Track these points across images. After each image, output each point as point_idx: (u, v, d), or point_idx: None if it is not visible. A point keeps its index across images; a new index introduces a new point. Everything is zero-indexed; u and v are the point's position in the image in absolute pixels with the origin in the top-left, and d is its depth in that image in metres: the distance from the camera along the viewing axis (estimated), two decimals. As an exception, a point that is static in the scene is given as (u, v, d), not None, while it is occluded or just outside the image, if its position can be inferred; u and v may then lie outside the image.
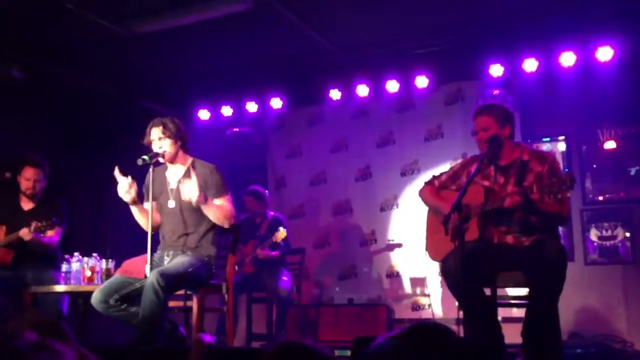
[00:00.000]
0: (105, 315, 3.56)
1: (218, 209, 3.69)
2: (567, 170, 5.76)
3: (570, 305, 5.22)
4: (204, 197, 3.59)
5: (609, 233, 5.66)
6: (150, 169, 3.66)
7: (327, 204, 6.80)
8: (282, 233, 5.47)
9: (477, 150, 3.72)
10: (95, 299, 3.52)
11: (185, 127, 3.86)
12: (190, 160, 3.84)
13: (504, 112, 3.54)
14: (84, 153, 6.45)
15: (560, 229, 5.29)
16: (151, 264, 3.47)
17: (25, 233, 4.36)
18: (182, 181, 3.63)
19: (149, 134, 3.75)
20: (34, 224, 4.33)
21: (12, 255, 4.53)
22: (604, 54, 5.38)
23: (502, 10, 5.20)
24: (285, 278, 5.60)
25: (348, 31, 5.51)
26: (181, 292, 3.72)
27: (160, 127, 3.72)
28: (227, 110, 6.85)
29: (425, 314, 6.00)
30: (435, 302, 6.01)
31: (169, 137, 3.71)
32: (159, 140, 3.72)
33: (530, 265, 3.26)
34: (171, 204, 3.78)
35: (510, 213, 3.36)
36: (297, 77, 6.43)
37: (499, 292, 3.63)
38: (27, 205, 4.74)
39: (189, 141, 3.84)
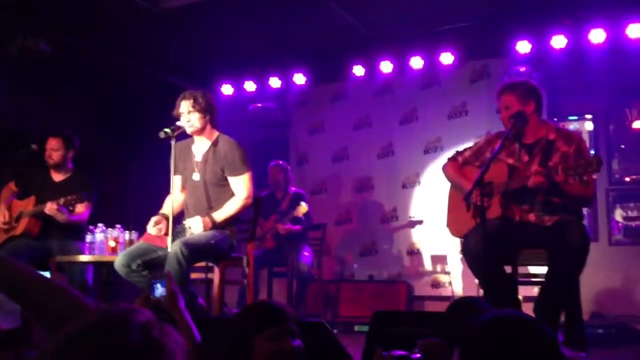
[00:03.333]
0: (126, 279, 3.63)
1: (233, 207, 3.72)
2: (593, 150, 5.68)
3: (593, 285, 5.18)
4: (212, 222, 3.65)
5: (635, 213, 5.58)
6: (173, 142, 3.68)
7: (349, 180, 6.81)
8: (303, 207, 5.48)
9: (502, 127, 3.68)
10: (118, 262, 3.59)
11: (216, 101, 3.86)
12: (216, 134, 3.86)
13: (526, 88, 3.48)
14: (108, 126, 6.52)
15: (585, 209, 5.25)
16: (173, 235, 3.52)
17: (49, 208, 4.40)
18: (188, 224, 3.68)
19: (179, 106, 3.76)
20: (63, 198, 4.38)
21: (40, 225, 4.60)
22: (635, 31, 5.25)
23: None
24: (306, 253, 5.63)
25: (372, 6, 5.45)
26: (202, 264, 3.77)
27: (191, 101, 3.73)
28: (250, 86, 6.84)
29: (445, 292, 6.01)
30: (456, 279, 6.02)
31: (198, 110, 3.72)
32: (188, 114, 3.73)
33: (552, 247, 3.23)
34: (196, 176, 3.81)
35: (533, 193, 3.32)
36: (320, 53, 6.39)
37: (520, 270, 3.61)
38: (57, 177, 4.80)
39: (218, 116, 3.84)
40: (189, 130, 3.75)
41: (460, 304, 2.24)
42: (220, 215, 3.70)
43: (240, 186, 3.75)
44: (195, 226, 3.63)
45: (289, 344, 1.87)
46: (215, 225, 3.67)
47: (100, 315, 0.98)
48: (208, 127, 3.80)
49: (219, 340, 1.97)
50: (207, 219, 3.65)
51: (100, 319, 0.97)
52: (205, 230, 3.63)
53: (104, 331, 0.94)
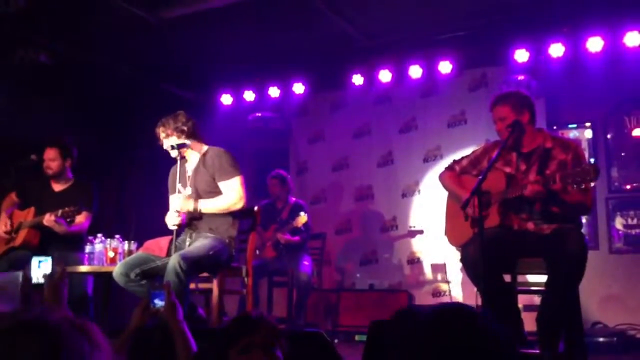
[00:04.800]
0: (125, 288, 3.63)
1: (219, 203, 3.73)
2: (592, 158, 5.68)
3: (594, 293, 5.17)
4: (194, 206, 3.70)
5: (635, 221, 5.58)
6: (179, 157, 3.78)
7: (349, 189, 6.81)
8: (302, 217, 5.49)
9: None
10: (116, 272, 3.60)
11: (188, 116, 3.86)
12: (205, 147, 3.90)
13: (519, 99, 3.49)
14: (108, 136, 6.51)
15: (584, 217, 5.26)
16: (175, 245, 3.54)
17: (47, 220, 4.38)
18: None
19: (158, 138, 3.86)
20: (61, 210, 4.36)
21: (39, 236, 4.58)
22: (632, 39, 5.27)
23: (527, -6, 5.12)
24: (306, 263, 5.63)
25: (371, 16, 5.47)
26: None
27: (161, 128, 3.83)
28: (249, 95, 6.86)
29: (445, 301, 6.00)
30: (455, 288, 6.01)
31: (170, 135, 3.80)
32: (165, 142, 3.82)
33: (550, 255, 3.23)
34: (188, 190, 3.84)
35: (531, 201, 3.32)
36: (319, 62, 6.41)
37: (520, 279, 3.60)
38: (57, 187, 4.79)
39: (197, 129, 3.86)
40: (173, 156, 3.82)
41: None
42: (205, 204, 3.72)
43: (230, 190, 3.75)
44: (176, 203, 3.67)
45: (259, 358, 1.84)
46: (195, 212, 3.69)
47: (14, 318, 1.01)
48: (190, 143, 3.83)
49: (207, 352, 1.98)
50: (189, 200, 3.69)
51: (13, 321, 0.99)
52: (182, 209, 3.66)
53: (18, 332, 0.96)
